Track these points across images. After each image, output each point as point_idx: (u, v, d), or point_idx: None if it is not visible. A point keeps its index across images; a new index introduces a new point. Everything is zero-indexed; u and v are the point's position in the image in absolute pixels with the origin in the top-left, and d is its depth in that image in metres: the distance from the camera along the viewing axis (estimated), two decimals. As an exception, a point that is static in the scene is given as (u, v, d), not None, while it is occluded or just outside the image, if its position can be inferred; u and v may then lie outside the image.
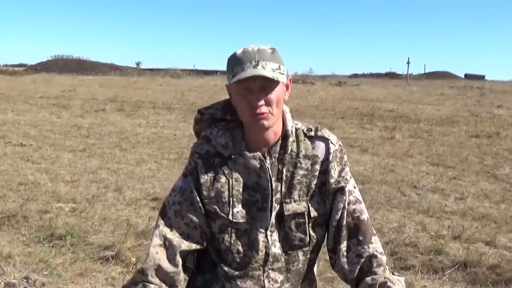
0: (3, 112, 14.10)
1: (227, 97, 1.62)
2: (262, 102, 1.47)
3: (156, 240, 1.57)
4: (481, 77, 48.12)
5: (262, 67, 1.45)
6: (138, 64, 62.91)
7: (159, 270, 1.54)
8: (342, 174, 1.60)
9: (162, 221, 1.60)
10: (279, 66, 1.49)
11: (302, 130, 1.62)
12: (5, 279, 3.56)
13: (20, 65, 53.33)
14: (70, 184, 6.34)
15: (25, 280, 3.57)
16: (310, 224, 1.59)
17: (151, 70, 48.05)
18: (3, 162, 7.55)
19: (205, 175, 1.58)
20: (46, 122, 12.35)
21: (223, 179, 1.57)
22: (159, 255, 1.55)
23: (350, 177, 1.62)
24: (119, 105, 16.52)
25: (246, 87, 1.47)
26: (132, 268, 3.87)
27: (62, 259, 4.00)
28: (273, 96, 1.48)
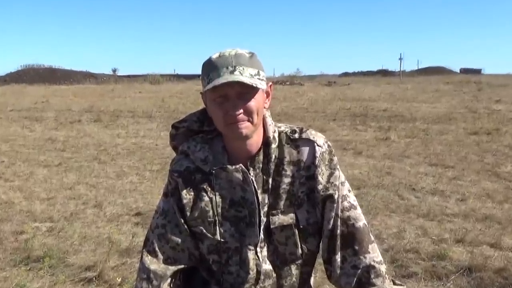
0: (-29, 127, 13.97)
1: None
2: (240, 110, 1.43)
3: (140, 275, 1.55)
4: (478, 71, 48.62)
5: (240, 72, 1.42)
6: (114, 71, 62.87)
7: None
8: (331, 180, 1.55)
9: (145, 251, 1.58)
10: (258, 72, 1.46)
11: (286, 133, 1.58)
12: (-21, 307, 3.51)
13: (-13, 77, 52.86)
14: (46, 201, 6.27)
15: (0, 307, 3.52)
16: (300, 236, 1.56)
17: (129, 76, 47.93)
18: (-27, 181, 7.46)
19: (187, 195, 1.55)
20: (18, 136, 12.23)
21: (206, 197, 1.54)
22: None
23: (344, 181, 1.59)
24: (95, 115, 16.44)
25: (222, 94, 1.43)
26: (116, 289, 3.83)
27: (41, 283, 3.94)
28: (252, 104, 1.44)
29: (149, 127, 13.49)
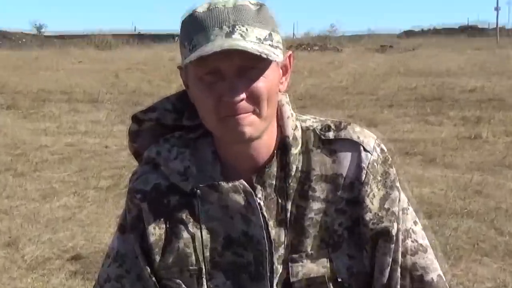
0: None
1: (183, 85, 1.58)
2: (241, 95, 1.42)
3: None
4: None
5: (241, 35, 1.41)
6: (39, 28, 63.15)
7: None
8: (386, 205, 1.56)
9: None
10: (270, 34, 1.45)
11: (315, 131, 1.59)
12: None
13: None
14: None
15: None
16: None
17: (62, 37, 48.22)
18: None
19: (157, 229, 1.56)
20: None
21: (185, 233, 1.55)
22: None
23: (407, 207, 1.61)
24: (9, 98, 16.53)
25: (214, 69, 1.43)
26: None
27: None
28: (260, 85, 1.43)
29: (95, 119, 13.57)
